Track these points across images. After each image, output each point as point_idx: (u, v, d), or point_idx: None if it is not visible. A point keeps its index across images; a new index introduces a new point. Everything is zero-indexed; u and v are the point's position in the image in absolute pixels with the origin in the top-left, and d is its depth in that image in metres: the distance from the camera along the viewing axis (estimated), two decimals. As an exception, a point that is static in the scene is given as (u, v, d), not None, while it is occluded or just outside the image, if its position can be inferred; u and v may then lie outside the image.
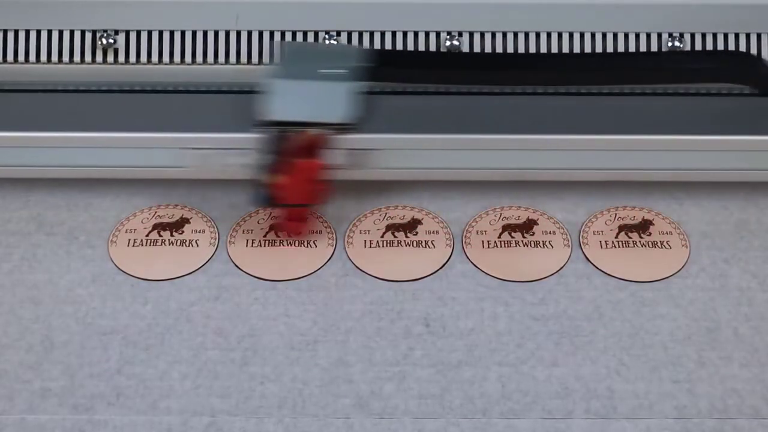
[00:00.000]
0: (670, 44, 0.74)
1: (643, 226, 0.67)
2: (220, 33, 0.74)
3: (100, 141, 0.66)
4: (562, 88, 0.69)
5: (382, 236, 0.67)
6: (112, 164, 0.67)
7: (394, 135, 0.65)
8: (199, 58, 0.74)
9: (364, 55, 0.67)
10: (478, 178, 0.68)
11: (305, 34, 0.74)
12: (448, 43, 0.74)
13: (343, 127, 0.63)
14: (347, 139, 0.64)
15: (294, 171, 0.62)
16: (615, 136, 0.65)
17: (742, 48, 0.74)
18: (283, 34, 0.74)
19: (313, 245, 0.66)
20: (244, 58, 0.74)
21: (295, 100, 0.64)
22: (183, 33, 0.74)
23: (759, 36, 0.74)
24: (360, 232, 0.67)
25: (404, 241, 0.67)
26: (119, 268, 0.65)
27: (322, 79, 0.65)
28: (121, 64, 0.75)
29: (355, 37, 0.74)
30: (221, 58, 0.74)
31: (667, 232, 0.67)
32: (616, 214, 0.68)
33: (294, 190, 0.63)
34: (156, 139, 0.65)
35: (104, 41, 0.74)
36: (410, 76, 0.69)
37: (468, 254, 0.66)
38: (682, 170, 0.67)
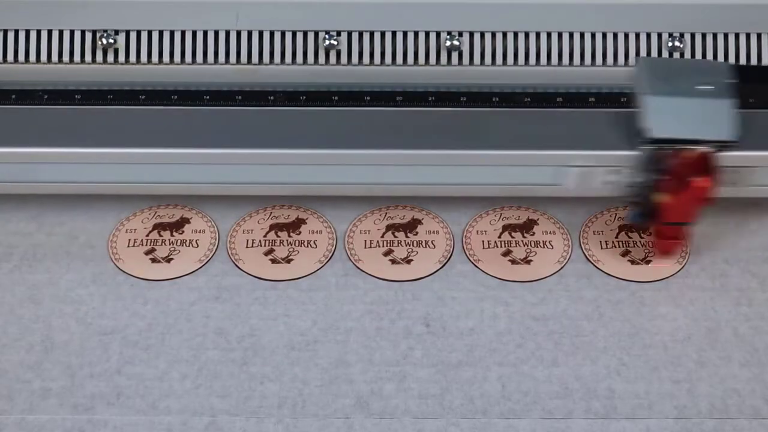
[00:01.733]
0: (670, 44, 0.74)
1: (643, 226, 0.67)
2: (220, 33, 0.74)
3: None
4: None
5: (382, 236, 0.67)
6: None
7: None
8: (199, 58, 0.74)
9: (734, 72, 0.65)
10: None
11: (305, 34, 0.74)
12: (448, 43, 0.74)
13: (727, 145, 0.62)
14: (729, 156, 0.63)
15: (685, 190, 0.61)
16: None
17: (742, 48, 0.74)
18: (283, 34, 0.74)
19: (313, 245, 0.66)
20: (244, 58, 0.74)
21: (675, 118, 0.63)
22: (183, 33, 0.74)
23: (759, 36, 0.74)
24: (360, 232, 0.67)
25: (404, 241, 0.67)
26: (119, 268, 0.65)
27: (701, 96, 0.64)
28: (121, 64, 0.75)
29: (355, 37, 0.74)
30: (221, 58, 0.74)
31: (667, 232, 0.67)
32: (616, 214, 0.68)
33: (679, 209, 0.62)
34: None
35: (104, 41, 0.74)
36: None
37: (468, 254, 0.66)
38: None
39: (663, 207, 0.62)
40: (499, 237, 0.67)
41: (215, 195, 0.67)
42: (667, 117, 0.63)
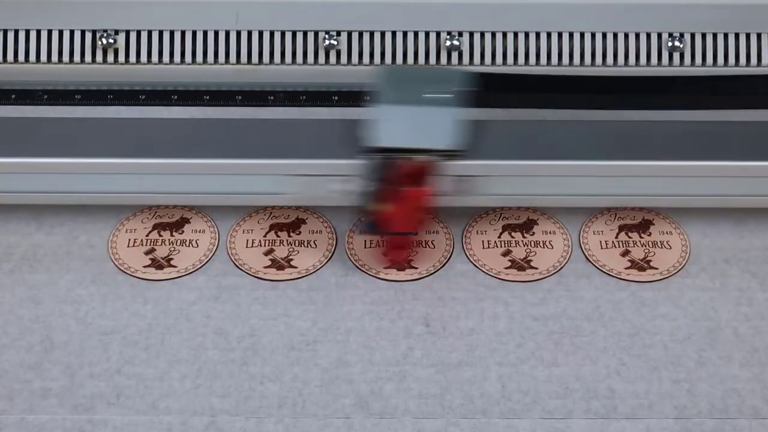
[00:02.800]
0: (670, 44, 0.74)
1: (643, 226, 0.67)
2: (220, 33, 0.74)
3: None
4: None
5: (383, 236, 0.67)
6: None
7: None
8: (199, 58, 0.74)
9: (468, 79, 0.65)
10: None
11: (305, 34, 0.74)
12: (448, 43, 0.74)
13: (450, 154, 0.62)
14: (454, 165, 0.63)
15: (401, 199, 0.61)
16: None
17: (742, 48, 0.74)
18: (283, 34, 0.74)
19: (313, 245, 0.66)
20: (244, 58, 0.74)
21: (400, 126, 0.63)
22: (183, 33, 0.74)
23: (759, 36, 0.74)
24: (360, 232, 0.67)
25: (404, 241, 0.67)
26: (119, 268, 0.65)
27: (428, 105, 0.64)
28: (121, 64, 0.75)
29: (355, 37, 0.74)
30: (221, 58, 0.74)
31: (667, 232, 0.67)
32: (616, 214, 0.68)
33: (401, 218, 0.62)
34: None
35: (104, 41, 0.74)
36: (514, 101, 0.68)
37: (468, 254, 0.66)
38: (684, 196, 0.67)
39: (385, 216, 0.62)
40: (499, 237, 0.67)
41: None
42: (392, 126, 0.63)
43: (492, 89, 0.67)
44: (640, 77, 0.71)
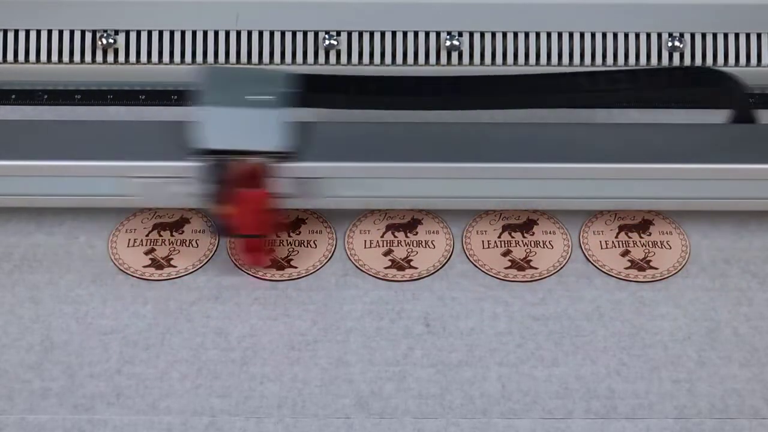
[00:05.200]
0: (670, 44, 0.74)
1: (643, 226, 0.67)
2: (220, 33, 0.74)
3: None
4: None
5: (382, 236, 0.67)
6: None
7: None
8: (199, 58, 0.74)
9: (290, 81, 0.65)
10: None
11: (305, 34, 0.74)
12: (448, 43, 0.74)
13: (282, 156, 0.62)
14: (293, 168, 0.62)
15: (239, 201, 0.61)
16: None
17: (742, 48, 0.74)
18: (283, 34, 0.74)
19: (313, 245, 0.66)
20: (244, 58, 0.74)
21: (226, 128, 0.62)
22: (183, 33, 0.74)
23: (759, 36, 0.74)
24: (360, 232, 0.67)
25: (404, 241, 0.67)
26: (119, 268, 0.65)
27: (250, 106, 0.63)
28: (121, 64, 0.75)
29: (355, 37, 0.74)
30: (221, 58, 0.74)
31: (667, 232, 0.67)
32: (616, 214, 0.68)
33: (243, 220, 0.62)
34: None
35: (104, 41, 0.74)
36: (337, 102, 0.68)
37: (468, 254, 0.66)
38: (683, 199, 0.66)
39: (229, 219, 0.62)
40: (499, 237, 0.67)
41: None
42: (218, 127, 0.62)
43: (316, 90, 0.67)
44: (467, 77, 0.71)
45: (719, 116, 0.68)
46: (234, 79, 0.65)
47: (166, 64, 0.74)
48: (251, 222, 0.62)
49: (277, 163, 0.62)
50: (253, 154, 0.62)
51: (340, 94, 0.68)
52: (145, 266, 0.65)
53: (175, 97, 0.73)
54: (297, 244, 0.66)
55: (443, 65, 0.74)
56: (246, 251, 0.64)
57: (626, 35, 0.74)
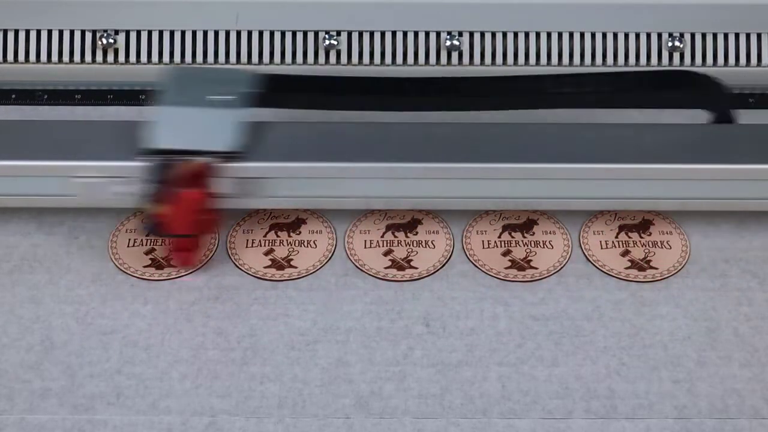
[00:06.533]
0: (670, 44, 0.74)
1: (643, 226, 0.67)
2: (220, 33, 0.74)
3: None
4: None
5: (382, 236, 0.67)
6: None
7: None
8: (199, 58, 0.74)
9: (253, 81, 0.65)
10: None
11: (305, 34, 0.74)
12: (448, 43, 0.74)
13: (229, 156, 0.62)
14: (234, 168, 0.62)
15: (177, 201, 0.61)
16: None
17: (742, 48, 0.74)
18: (283, 34, 0.74)
19: (313, 245, 0.66)
20: (244, 58, 0.74)
21: (179, 128, 0.62)
22: (183, 33, 0.74)
23: (759, 36, 0.74)
24: (360, 232, 0.67)
25: (404, 241, 0.67)
26: (119, 268, 0.65)
27: (209, 106, 0.64)
28: (121, 64, 0.75)
29: (355, 37, 0.74)
30: (221, 58, 0.74)
31: (667, 232, 0.67)
32: (616, 214, 0.68)
33: (178, 220, 0.62)
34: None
35: (104, 41, 0.74)
36: (299, 102, 0.68)
37: (468, 254, 0.66)
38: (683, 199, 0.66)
39: (164, 218, 0.62)
40: (499, 237, 0.67)
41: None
42: (170, 127, 0.63)
43: (279, 90, 0.67)
44: (429, 78, 0.71)
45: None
46: (198, 79, 0.66)
47: (166, 64, 0.74)
48: (184, 222, 0.62)
49: (223, 163, 0.62)
50: (200, 153, 0.62)
51: (304, 94, 0.68)
52: (145, 266, 0.65)
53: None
54: (297, 244, 0.66)
55: (443, 65, 0.74)
56: (176, 250, 0.64)
57: (626, 35, 0.74)
